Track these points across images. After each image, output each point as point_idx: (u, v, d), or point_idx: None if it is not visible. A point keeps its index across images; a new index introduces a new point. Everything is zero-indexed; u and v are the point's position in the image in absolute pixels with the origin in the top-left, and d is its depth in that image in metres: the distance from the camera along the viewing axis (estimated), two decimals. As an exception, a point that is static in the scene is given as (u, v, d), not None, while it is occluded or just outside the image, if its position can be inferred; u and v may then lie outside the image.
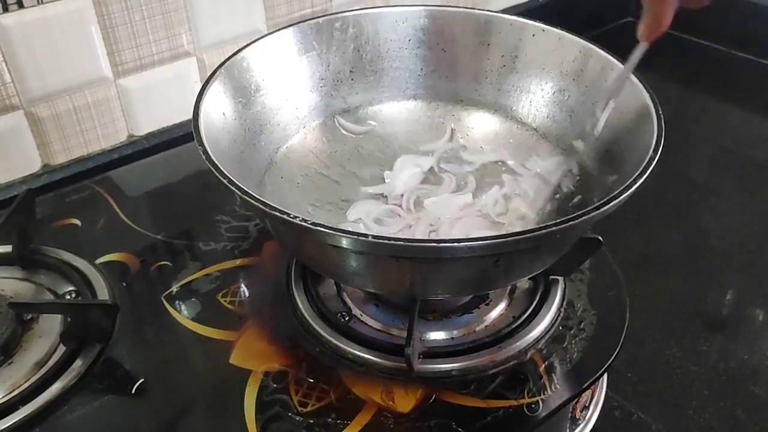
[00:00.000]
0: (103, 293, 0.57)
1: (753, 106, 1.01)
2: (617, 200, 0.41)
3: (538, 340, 0.53)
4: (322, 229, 0.39)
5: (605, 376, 0.58)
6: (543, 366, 0.51)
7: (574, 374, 0.51)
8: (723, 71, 1.08)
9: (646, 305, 0.66)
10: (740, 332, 0.65)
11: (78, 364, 0.52)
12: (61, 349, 0.52)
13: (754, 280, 0.70)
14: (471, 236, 0.38)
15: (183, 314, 0.56)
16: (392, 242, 0.39)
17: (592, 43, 0.56)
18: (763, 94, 1.02)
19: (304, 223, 0.40)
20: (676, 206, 0.81)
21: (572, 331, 0.54)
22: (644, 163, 0.43)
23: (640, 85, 0.51)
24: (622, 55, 0.54)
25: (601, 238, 0.50)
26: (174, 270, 0.61)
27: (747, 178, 0.86)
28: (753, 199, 0.82)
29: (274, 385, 0.50)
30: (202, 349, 0.54)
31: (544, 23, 0.59)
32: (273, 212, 0.40)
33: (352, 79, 0.63)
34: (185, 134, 0.79)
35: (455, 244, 0.39)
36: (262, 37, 0.58)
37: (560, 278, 0.57)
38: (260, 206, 0.41)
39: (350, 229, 0.39)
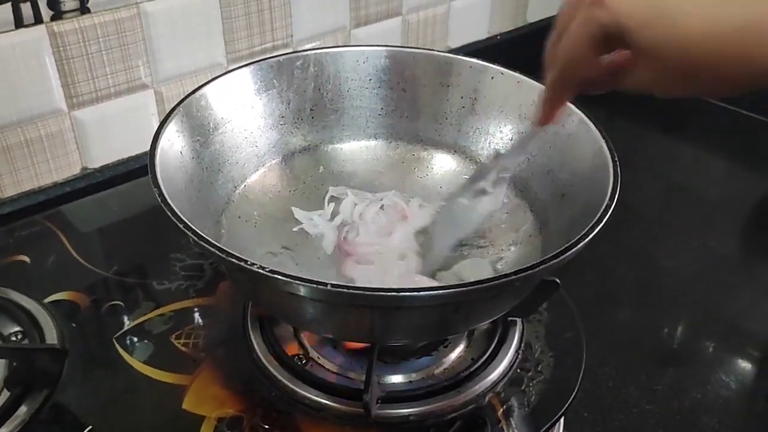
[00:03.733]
0: (51, 335, 0.55)
1: (704, 145, 1.04)
2: (575, 249, 0.41)
3: (496, 383, 0.53)
4: (279, 276, 0.39)
5: (563, 417, 0.58)
6: (501, 410, 0.51)
7: (533, 417, 0.51)
8: (674, 109, 1.11)
9: (602, 343, 0.66)
10: (692, 369, 0.66)
11: (23, 411, 0.50)
12: (6, 394, 0.50)
13: (704, 317, 0.72)
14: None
15: (135, 357, 0.55)
16: (351, 291, 0.38)
17: (550, 88, 0.57)
18: (713, 133, 1.05)
19: (261, 271, 0.39)
20: (630, 243, 0.82)
21: (530, 374, 0.54)
22: (600, 211, 0.44)
23: (596, 131, 0.52)
24: (579, 97, 0.55)
25: (558, 281, 0.50)
26: (126, 310, 0.59)
27: (698, 215, 0.89)
28: (704, 236, 0.84)
29: (229, 432, 0.49)
30: (154, 394, 0.52)
31: (503, 64, 0.60)
32: (229, 258, 0.40)
33: (312, 118, 0.63)
34: (141, 167, 0.77)
35: (415, 293, 0.39)
36: (222, 75, 0.58)
37: (518, 319, 0.57)
38: (216, 252, 0.40)
39: (308, 277, 0.39)
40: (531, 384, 0.53)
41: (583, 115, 0.53)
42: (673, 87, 0.36)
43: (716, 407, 0.61)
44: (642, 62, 0.35)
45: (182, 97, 0.55)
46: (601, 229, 0.43)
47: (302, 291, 0.39)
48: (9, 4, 0.64)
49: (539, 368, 0.54)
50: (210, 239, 0.41)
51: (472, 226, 0.57)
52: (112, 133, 0.76)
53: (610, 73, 0.39)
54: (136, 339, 0.56)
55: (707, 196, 0.94)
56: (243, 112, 0.59)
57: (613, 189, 0.46)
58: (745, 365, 0.66)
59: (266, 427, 0.49)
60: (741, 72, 0.32)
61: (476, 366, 0.53)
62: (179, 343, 0.56)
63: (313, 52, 0.61)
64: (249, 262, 0.39)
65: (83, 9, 0.68)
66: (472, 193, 0.56)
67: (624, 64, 0.37)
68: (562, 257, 0.41)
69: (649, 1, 0.33)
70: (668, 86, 0.36)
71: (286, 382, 0.51)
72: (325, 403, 0.50)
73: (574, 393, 0.53)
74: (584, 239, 0.42)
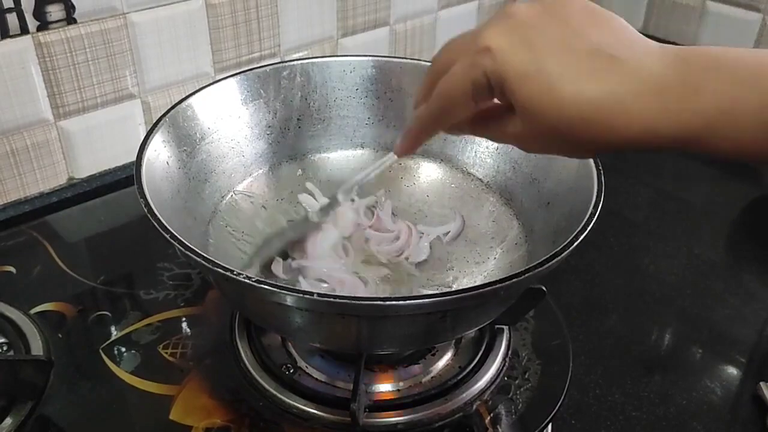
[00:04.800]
0: (37, 346, 0.55)
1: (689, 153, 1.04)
2: (560, 257, 0.42)
3: (483, 391, 0.53)
4: (266, 286, 0.39)
5: (550, 425, 0.58)
6: (488, 418, 0.51)
7: (520, 425, 0.51)
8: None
9: (588, 350, 0.67)
10: (678, 375, 0.66)
11: (7, 423, 0.49)
12: (-10, 406, 0.50)
13: (690, 323, 0.72)
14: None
15: (122, 367, 0.54)
16: (338, 300, 0.39)
17: (535, 97, 0.58)
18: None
19: (247, 281, 0.39)
20: (617, 249, 0.83)
21: (517, 381, 0.54)
22: (585, 219, 0.44)
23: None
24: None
25: (545, 289, 0.51)
26: (113, 320, 0.59)
27: (685, 222, 0.89)
28: (690, 243, 0.84)
29: (216, 443, 0.48)
30: (141, 405, 0.52)
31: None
32: (216, 269, 0.40)
33: (299, 127, 0.63)
34: (128, 177, 0.78)
35: (401, 302, 0.39)
36: (208, 85, 0.58)
37: (505, 327, 0.57)
38: (203, 262, 0.40)
39: (295, 287, 0.39)
40: (518, 391, 0.53)
41: (567, 124, 0.54)
42: (539, 144, 0.38)
43: (702, 413, 0.61)
44: (515, 117, 0.36)
45: (169, 107, 0.55)
46: (586, 236, 0.44)
47: (289, 301, 0.39)
48: (-5, 15, 0.64)
49: (526, 376, 0.55)
50: (197, 249, 0.41)
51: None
52: (98, 143, 0.76)
53: (478, 119, 0.40)
54: (123, 349, 0.56)
55: (693, 203, 0.95)
56: (230, 122, 0.59)
57: (597, 197, 0.46)
58: (731, 371, 0.66)
59: (254, 437, 0.49)
60: (604, 138, 0.34)
61: (464, 374, 0.53)
62: (167, 353, 0.56)
63: (300, 62, 0.62)
64: (235, 272, 0.39)
65: (69, 19, 0.68)
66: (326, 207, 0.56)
67: (494, 115, 0.39)
68: (547, 265, 0.41)
69: (533, 62, 0.34)
70: (535, 143, 0.38)
71: (274, 392, 0.51)
72: (313, 413, 0.50)
73: (561, 400, 0.53)
74: (569, 247, 0.42)
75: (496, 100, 0.38)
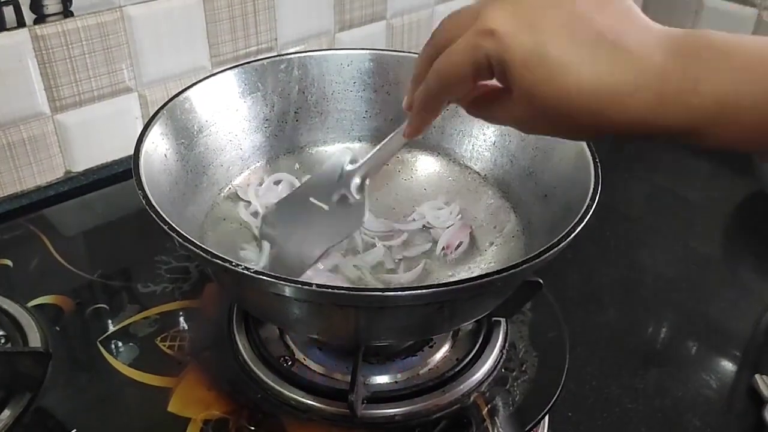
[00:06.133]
0: (35, 338, 0.55)
1: (686, 147, 1.05)
2: (557, 248, 0.42)
3: (481, 383, 0.53)
4: (264, 278, 0.39)
5: (547, 417, 0.59)
6: (486, 409, 0.51)
7: (517, 417, 0.51)
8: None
9: (585, 342, 0.67)
10: (674, 367, 0.67)
11: (6, 415, 0.49)
12: (-12, 398, 0.50)
13: (686, 317, 0.73)
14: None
15: (119, 360, 0.54)
16: (336, 291, 0.39)
17: (532, 90, 0.58)
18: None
19: (246, 272, 0.39)
20: (613, 243, 0.83)
21: (514, 373, 0.55)
22: (582, 211, 0.45)
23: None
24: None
25: (541, 281, 0.51)
26: (111, 313, 0.59)
27: (681, 216, 0.89)
28: (686, 237, 0.85)
29: (214, 434, 0.48)
30: (139, 397, 0.52)
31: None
32: (214, 260, 0.40)
33: (296, 120, 0.63)
34: (125, 171, 0.78)
35: (399, 293, 0.39)
36: (206, 78, 0.58)
37: (502, 320, 0.57)
38: (201, 253, 0.40)
39: (293, 278, 0.39)
40: (515, 383, 0.54)
41: (565, 117, 0.54)
42: (538, 128, 0.38)
43: (698, 406, 0.62)
44: (516, 100, 0.36)
45: (166, 100, 0.55)
46: (583, 228, 0.44)
47: (287, 292, 0.39)
48: (-9, 8, 0.64)
49: (523, 368, 0.55)
50: (195, 241, 0.41)
51: (335, 239, 0.54)
52: (95, 136, 0.76)
53: (479, 100, 0.40)
54: (120, 342, 0.56)
55: (689, 197, 0.95)
56: (227, 115, 0.59)
57: (594, 189, 0.47)
58: (726, 364, 0.67)
59: (252, 428, 0.49)
60: (604, 125, 0.34)
61: (461, 366, 0.54)
62: (164, 345, 0.56)
63: (297, 55, 0.62)
64: (234, 263, 0.39)
65: (66, 12, 0.68)
66: (333, 197, 0.54)
67: (494, 96, 0.39)
68: (544, 256, 0.41)
69: (536, 47, 0.34)
70: (534, 127, 0.38)
71: (272, 384, 0.51)
72: (311, 404, 0.50)
73: (557, 393, 0.53)
74: (566, 239, 0.42)
75: (495, 81, 0.38)
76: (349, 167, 0.54)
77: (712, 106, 0.32)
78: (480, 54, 0.35)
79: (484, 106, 0.40)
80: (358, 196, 0.53)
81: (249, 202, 0.59)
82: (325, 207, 0.54)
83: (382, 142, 0.50)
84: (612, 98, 0.33)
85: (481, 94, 0.40)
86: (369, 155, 0.52)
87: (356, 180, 0.53)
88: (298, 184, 0.60)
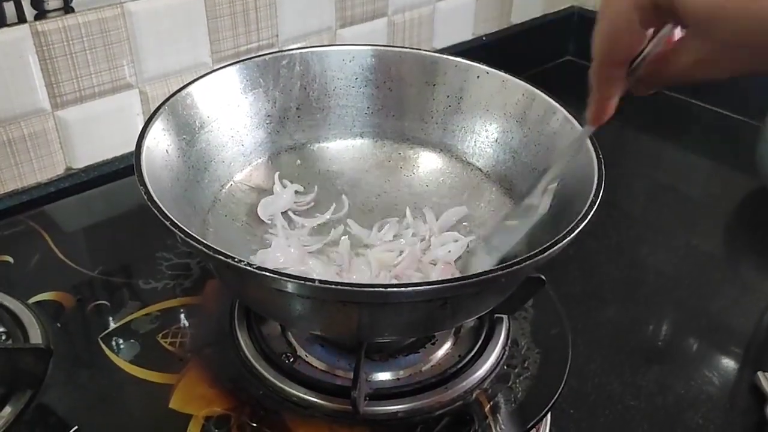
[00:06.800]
0: (35, 335, 0.55)
1: (688, 144, 1.05)
2: (560, 244, 0.42)
3: (483, 379, 0.53)
4: (267, 273, 0.39)
5: (549, 414, 0.58)
6: (488, 406, 0.51)
7: (519, 413, 0.51)
8: (658, 109, 1.12)
9: (587, 339, 0.67)
10: (676, 365, 0.67)
11: (6, 412, 0.49)
12: (-11, 395, 0.50)
13: (688, 314, 0.73)
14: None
15: (121, 356, 0.54)
16: (339, 287, 0.38)
17: (536, 87, 0.58)
18: (697, 133, 1.07)
19: (249, 268, 0.39)
20: (615, 241, 0.83)
21: (517, 370, 0.54)
22: (585, 208, 0.44)
23: (581, 129, 0.52)
24: (563, 96, 0.56)
25: (543, 278, 0.51)
26: (112, 309, 0.59)
27: (682, 214, 0.89)
28: (688, 234, 0.85)
29: (216, 431, 0.48)
30: (141, 393, 0.52)
31: (488, 65, 0.61)
32: (217, 256, 0.40)
33: (298, 117, 0.63)
34: (126, 167, 0.77)
35: (402, 289, 0.39)
36: (207, 73, 0.57)
37: (504, 316, 0.57)
38: (203, 249, 0.40)
39: (296, 274, 0.39)
40: (518, 380, 0.53)
41: (567, 113, 0.54)
42: (726, 64, 0.33)
43: (700, 403, 0.62)
44: (692, 37, 0.32)
45: (168, 96, 0.55)
46: (586, 225, 0.44)
47: (290, 288, 0.39)
48: (-8, 3, 0.64)
49: (526, 365, 0.55)
50: (197, 237, 0.41)
51: (516, 238, 0.51)
52: (96, 133, 0.76)
53: (659, 59, 0.36)
54: (122, 339, 0.56)
55: (691, 194, 0.95)
56: (229, 111, 0.59)
57: (598, 185, 0.46)
58: (728, 361, 0.67)
59: (254, 425, 0.49)
60: None
61: (463, 363, 0.53)
62: (166, 342, 0.55)
63: (299, 51, 0.61)
64: (236, 259, 0.39)
65: (67, 8, 0.68)
66: (522, 211, 0.51)
67: (671, 53, 0.35)
68: (548, 252, 0.41)
69: None
70: (721, 63, 0.33)
71: (274, 380, 0.51)
72: (313, 401, 0.50)
73: (560, 389, 0.53)
74: (569, 235, 0.42)
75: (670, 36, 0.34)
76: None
77: None
78: None
79: (663, 66, 0.36)
80: (540, 200, 0.50)
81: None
82: (516, 222, 0.52)
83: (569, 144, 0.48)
84: None
85: (656, 56, 0.36)
86: (559, 160, 0.50)
87: (540, 188, 0.50)
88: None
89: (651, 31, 0.36)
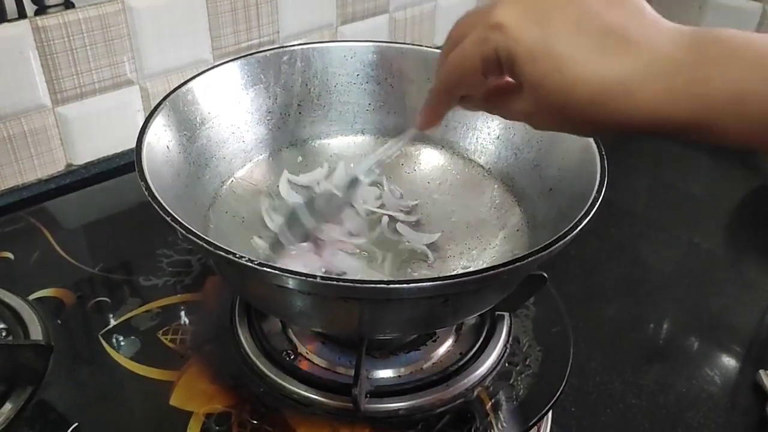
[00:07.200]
0: (36, 331, 0.55)
1: (689, 144, 1.04)
2: (563, 241, 0.41)
3: (484, 377, 0.53)
4: (268, 269, 0.38)
5: (550, 412, 0.58)
6: (490, 404, 0.51)
7: (521, 411, 0.51)
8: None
9: (588, 338, 0.67)
10: (677, 363, 0.66)
11: (7, 408, 0.49)
12: (-11, 391, 0.50)
13: (690, 312, 0.72)
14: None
15: (121, 353, 0.54)
16: (340, 283, 0.38)
17: (537, 83, 0.57)
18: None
19: (249, 263, 0.39)
20: (617, 238, 0.83)
21: (518, 368, 0.54)
22: (588, 204, 0.44)
23: (583, 126, 0.52)
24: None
25: (545, 275, 0.51)
26: (112, 306, 0.59)
27: (684, 212, 0.89)
28: (689, 232, 0.85)
29: (217, 428, 0.48)
30: (141, 390, 0.52)
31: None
32: (218, 251, 0.40)
33: (299, 113, 0.62)
34: (126, 164, 0.77)
35: (404, 285, 0.38)
36: (208, 69, 0.57)
37: (506, 314, 0.57)
38: (204, 245, 0.40)
39: (298, 270, 0.39)
40: (519, 378, 0.53)
41: (570, 110, 0.54)
42: (547, 123, 0.38)
43: (701, 402, 0.61)
44: (525, 94, 0.36)
45: (169, 91, 0.54)
46: (588, 222, 0.43)
47: (291, 284, 0.39)
48: (-8, -1, 0.64)
49: (527, 362, 0.55)
50: (198, 233, 0.41)
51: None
52: (97, 129, 0.76)
53: (491, 95, 0.40)
54: (122, 335, 0.56)
55: (693, 192, 0.95)
56: (230, 107, 0.59)
57: (600, 182, 0.46)
58: (729, 360, 0.66)
59: (254, 422, 0.49)
60: (612, 120, 0.34)
61: (465, 360, 0.53)
62: (166, 339, 0.55)
63: (300, 47, 0.61)
64: (238, 255, 0.39)
65: (67, 4, 0.68)
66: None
67: (506, 91, 0.39)
68: (550, 249, 0.41)
69: (543, 40, 0.34)
70: (543, 121, 0.38)
71: (275, 378, 0.51)
72: (314, 398, 0.50)
73: (561, 387, 0.53)
74: (572, 232, 0.42)
75: (507, 78, 0.38)
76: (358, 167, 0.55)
77: (722, 99, 0.32)
78: (488, 47, 0.36)
79: (496, 102, 0.40)
80: (366, 179, 0.54)
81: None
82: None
83: (393, 141, 0.51)
84: (620, 89, 0.33)
85: (493, 89, 0.40)
86: (382, 148, 0.53)
87: (366, 167, 0.54)
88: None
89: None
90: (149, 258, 0.63)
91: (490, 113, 0.43)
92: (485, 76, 0.38)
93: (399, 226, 0.58)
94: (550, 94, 0.34)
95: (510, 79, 0.38)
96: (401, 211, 0.60)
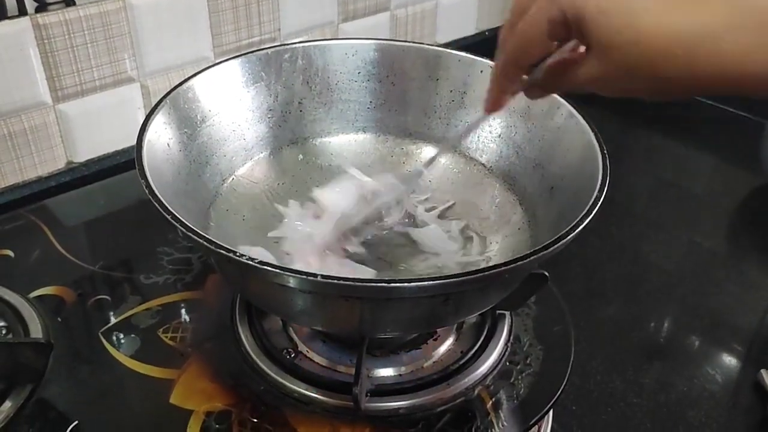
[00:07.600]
0: (36, 329, 0.55)
1: (691, 141, 1.04)
2: (565, 240, 0.41)
3: (485, 376, 0.53)
4: (269, 268, 0.38)
5: (551, 410, 0.58)
6: (490, 403, 0.51)
7: (521, 410, 0.51)
8: (661, 106, 1.12)
9: (589, 336, 0.67)
10: (679, 362, 0.66)
11: (7, 406, 0.49)
12: (-11, 389, 0.50)
13: (691, 311, 0.72)
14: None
15: (121, 351, 0.54)
16: (341, 282, 0.38)
17: (539, 82, 0.57)
18: (700, 130, 1.06)
19: (250, 262, 0.39)
20: (618, 238, 0.83)
21: (519, 367, 0.54)
22: (590, 203, 0.44)
23: (585, 124, 0.52)
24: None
25: (546, 274, 0.50)
26: (112, 304, 0.58)
27: (685, 211, 0.89)
28: (690, 231, 0.85)
29: (217, 426, 0.48)
30: (141, 388, 0.52)
31: (491, 60, 0.60)
32: (218, 250, 0.39)
33: (300, 111, 0.62)
34: (127, 161, 0.77)
35: (405, 284, 0.38)
36: (209, 67, 0.57)
37: (507, 313, 0.57)
38: (205, 244, 0.40)
39: (298, 269, 0.39)
40: (520, 377, 0.53)
41: (571, 108, 0.54)
42: (616, 85, 0.36)
43: (702, 400, 0.61)
44: (592, 55, 0.35)
45: (169, 89, 0.54)
46: (590, 221, 0.43)
47: (292, 282, 0.39)
48: (-7, -4, 0.63)
49: (528, 361, 0.55)
50: (199, 231, 0.40)
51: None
52: (97, 127, 0.75)
53: (556, 66, 0.39)
54: (122, 333, 0.56)
55: (694, 192, 0.95)
56: (231, 104, 0.58)
57: (602, 181, 0.46)
58: (730, 359, 0.66)
59: (255, 420, 0.49)
60: (689, 75, 0.32)
61: (465, 359, 0.53)
62: (167, 337, 0.55)
63: (302, 44, 0.61)
64: (238, 254, 0.39)
65: (68, 1, 0.68)
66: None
67: (571, 63, 0.38)
68: (551, 248, 0.41)
69: None
70: (612, 84, 0.36)
71: (275, 376, 0.51)
72: (314, 397, 0.50)
73: (562, 386, 0.53)
74: (574, 230, 0.42)
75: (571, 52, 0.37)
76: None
77: None
78: (555, 9, 0.35)
79: (561, 74, 0.39)
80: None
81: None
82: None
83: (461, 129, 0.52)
84: (701, 41, 0.31)
85: (557, 63, 0.39)
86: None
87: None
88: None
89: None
90: (150, 256, 0.63)
91: (553, 90, 0.42)
92: (551, 40, 0.36)
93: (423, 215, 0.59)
94: (622, 50, 0.33)
95: (572, 56, 0.37)
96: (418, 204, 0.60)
